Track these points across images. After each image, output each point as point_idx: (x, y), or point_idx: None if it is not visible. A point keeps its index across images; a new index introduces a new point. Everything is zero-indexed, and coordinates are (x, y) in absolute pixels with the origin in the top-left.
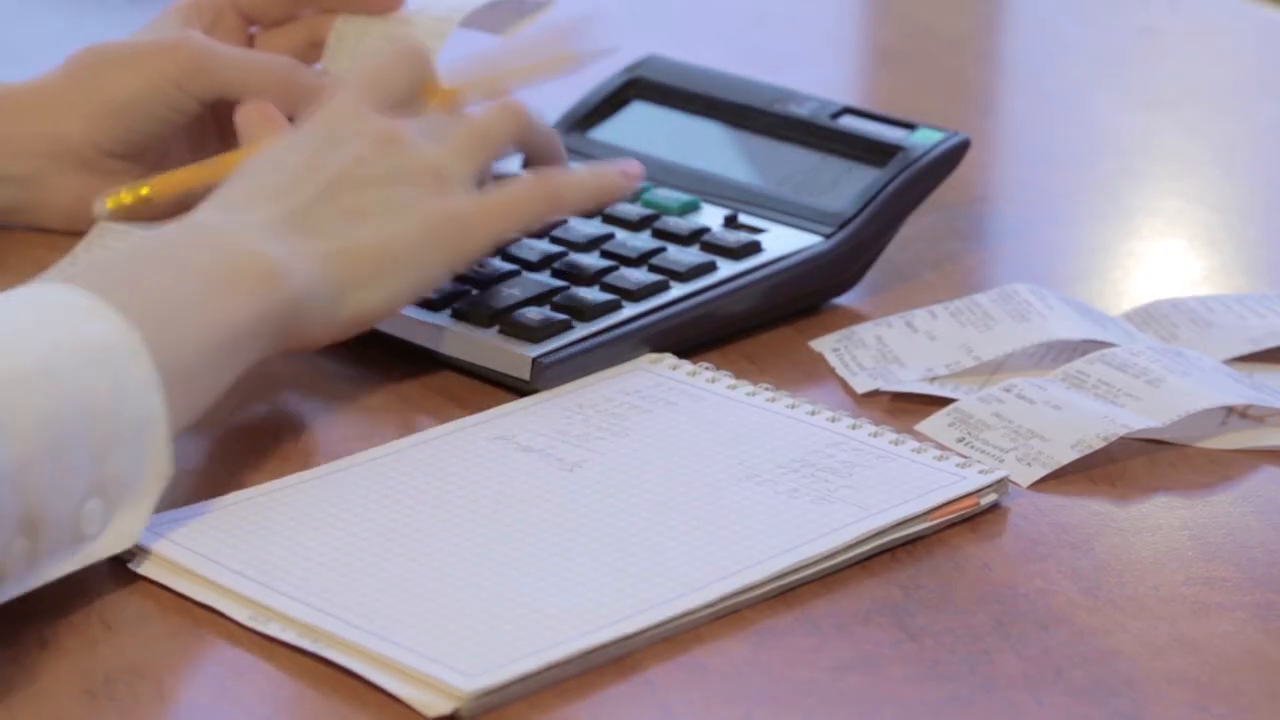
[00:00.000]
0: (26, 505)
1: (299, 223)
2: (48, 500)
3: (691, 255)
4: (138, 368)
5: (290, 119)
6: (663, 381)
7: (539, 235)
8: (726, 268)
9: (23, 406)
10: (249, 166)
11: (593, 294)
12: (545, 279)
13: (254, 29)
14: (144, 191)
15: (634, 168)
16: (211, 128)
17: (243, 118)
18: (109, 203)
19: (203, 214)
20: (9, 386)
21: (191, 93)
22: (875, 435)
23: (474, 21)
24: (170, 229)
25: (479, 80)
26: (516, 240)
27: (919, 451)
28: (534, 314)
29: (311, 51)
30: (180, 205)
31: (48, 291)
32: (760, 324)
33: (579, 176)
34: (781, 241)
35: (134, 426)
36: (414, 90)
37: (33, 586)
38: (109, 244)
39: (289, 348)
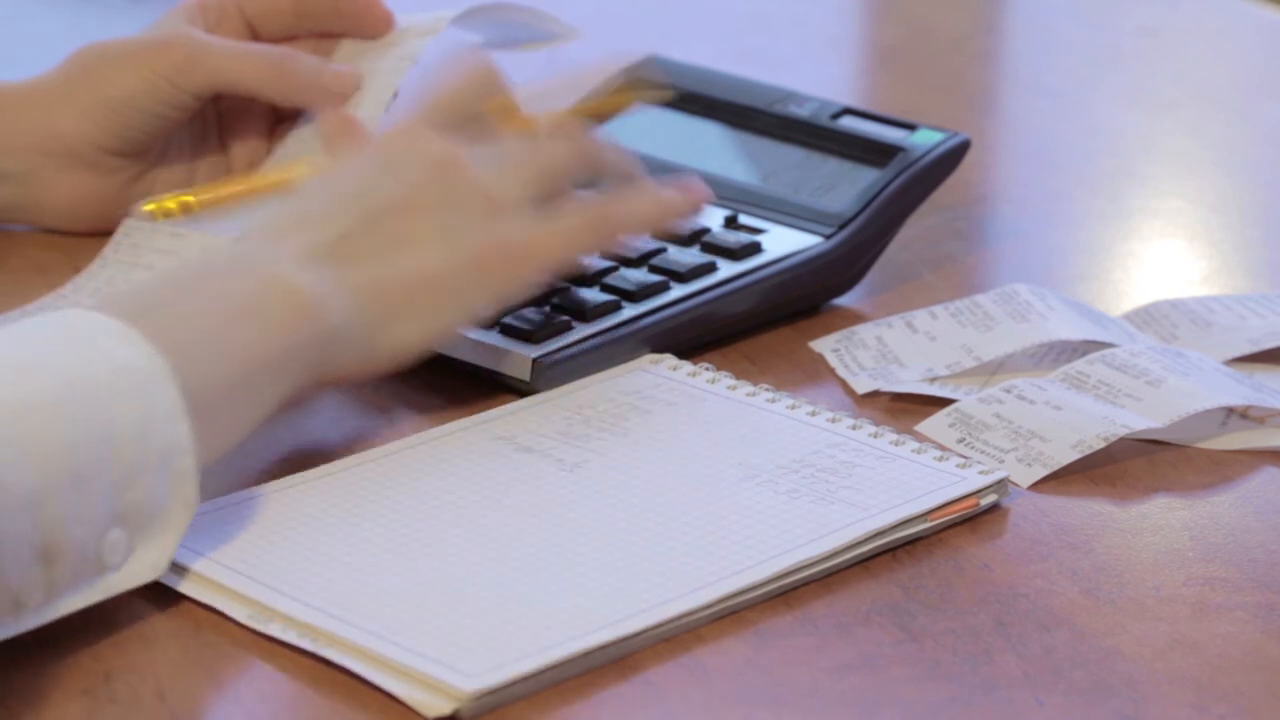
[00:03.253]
0: (46, 533)
1: (338, 251)
2: (68, 529)
3: (691, 255)
4: (164, 395)
5: (289, 109)
6: (663, 382)
7: None
8: (726, 268)
9: (44, 432)
10: (302, 190)
11: (593, 294)
12: None
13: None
14: (188, 199)
15: (697, 186)
16: (212, 123)
17: (325, 128)
18: (150, 206)
19: (243, 239)
20: (31, 410)
21: (187, 88)
22: (875, 436)
23: (471, 24)
24: (206, 255)
25: (555, 116)
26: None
27: (919, 452)
28: (534, 314)
29: None
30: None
31: (74, 316)
32: (760, 324)
33: (638, 205)
34: (781, 242)
35: (160, 455)
36: (483, 108)
37: (52, 618)
38: (137, 242)
39: (324, 382)
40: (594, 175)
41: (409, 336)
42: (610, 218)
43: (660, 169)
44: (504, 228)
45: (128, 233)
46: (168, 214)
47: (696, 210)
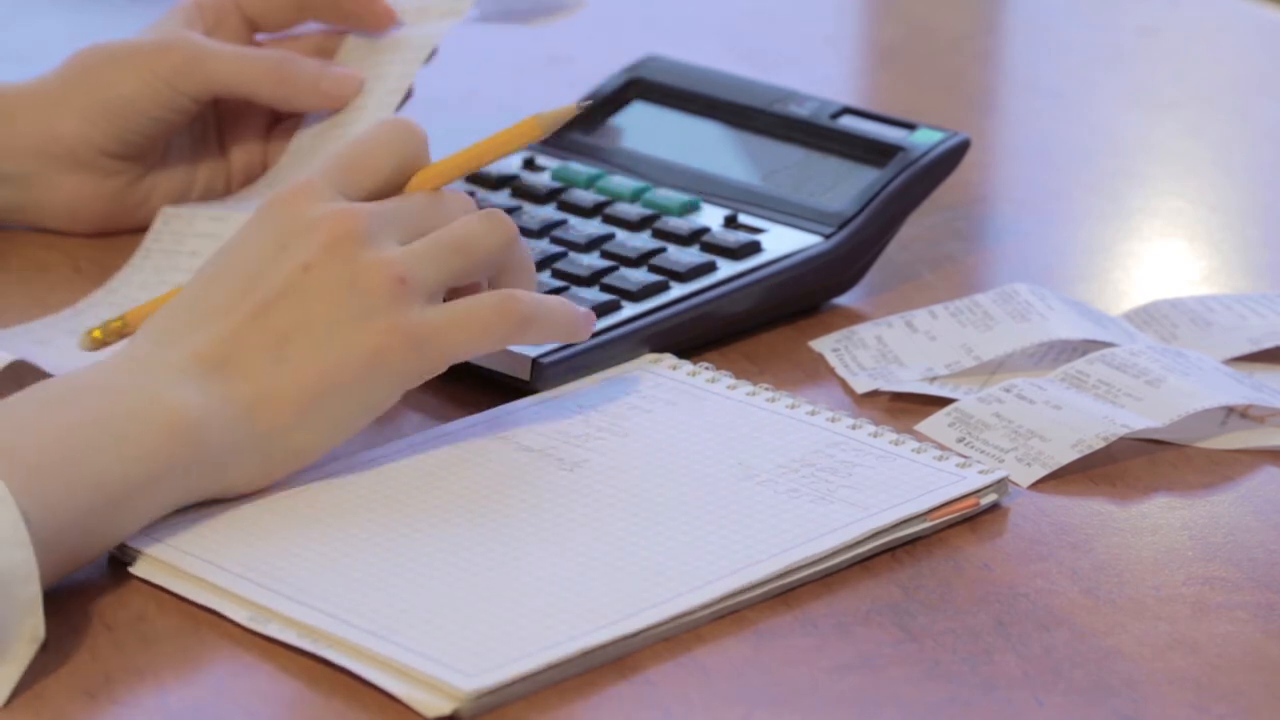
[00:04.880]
0: None
1: (225, 357)
2: None
3: (691, 255)
4: (2, 522)
5: (288, 113)
6: (663, 381)
7: (539, 235)
8: (726, 268)
9: None
10: (197, 279)
11: (593, 294)
12: (545, 279)
13: (260, 36)
14: (116, 325)
15: (591, 319)
16: (212, 126)
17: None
18: (92, 336)
19: (134, 344)
20: None
21: (186, 92)
22: (875, 435)
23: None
24: (86, 371)
25: (454, 157)
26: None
27: (919, 451)
28: None
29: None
30: None
31: None
32: (760, 324)
33: (550, 306)
34: (781, 241)
35: None
36: (400, 172)
37: None
38: (178, 230)
39: (214, 495)
40: (507, 256)
41: (305, 443)
42: (525, 312)
43: (660, 169)
44: (408, 312)
45: (167, 220)
46: (103, 342)
47: (586, 334)
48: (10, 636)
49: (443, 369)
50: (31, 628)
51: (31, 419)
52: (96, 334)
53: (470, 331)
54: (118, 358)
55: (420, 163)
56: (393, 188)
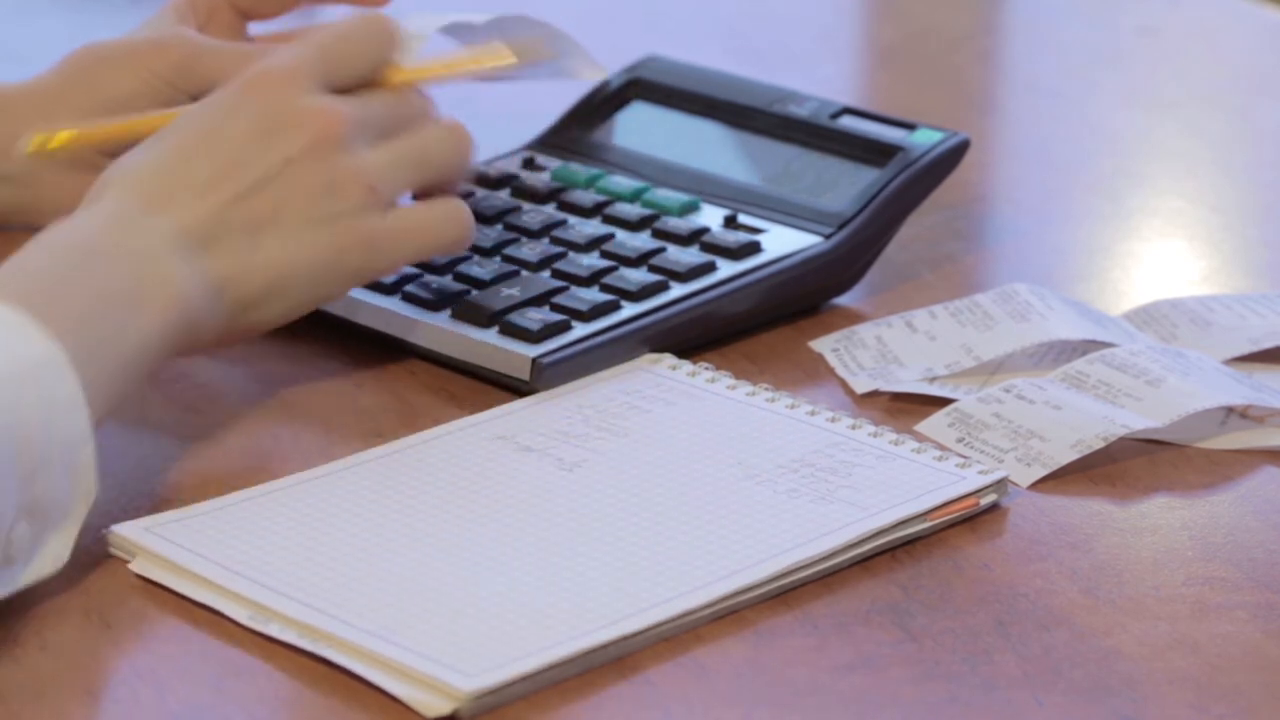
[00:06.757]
0: None
1: (207, 233)
2: None
3: (691, 255)
4: (65, 387)
5: None
6: (663, 381)
7: (539, 235)
8: (726, 268)
9: None
10: (178, 133)
11: (592, 294)
12: (545, 279)
13: (252, 28)
14: (64, 137)
15: None
16: None
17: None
18: (30, 146)
19: (120, 206)
20: None
21: (184, 90)
22: (875, 435)
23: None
24: (87, 229)
25: (427, 64)
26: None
27: (919, 452)
28: (534, 314)
29: None
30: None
31: None
32: (760, 324)
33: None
34: (781, 241)
35: (63, 447)
36: (372, 68)
37: None
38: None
39: (180, 354)
40: (462, 170)
41: (259, 320)
42: (473, 220)
43: (660, 168)
44: (371, 218)
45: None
46: (48, 154)
47: None
48: (73, 495)
49: (392, 272)
50: (87, 486)
51: (59, 286)
52: (50, 142)
53: (423, 238)
54: (115, 215)
55: (393, 57)
56: (365, 83)
